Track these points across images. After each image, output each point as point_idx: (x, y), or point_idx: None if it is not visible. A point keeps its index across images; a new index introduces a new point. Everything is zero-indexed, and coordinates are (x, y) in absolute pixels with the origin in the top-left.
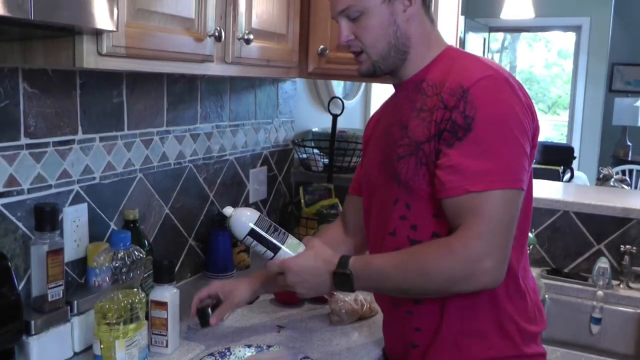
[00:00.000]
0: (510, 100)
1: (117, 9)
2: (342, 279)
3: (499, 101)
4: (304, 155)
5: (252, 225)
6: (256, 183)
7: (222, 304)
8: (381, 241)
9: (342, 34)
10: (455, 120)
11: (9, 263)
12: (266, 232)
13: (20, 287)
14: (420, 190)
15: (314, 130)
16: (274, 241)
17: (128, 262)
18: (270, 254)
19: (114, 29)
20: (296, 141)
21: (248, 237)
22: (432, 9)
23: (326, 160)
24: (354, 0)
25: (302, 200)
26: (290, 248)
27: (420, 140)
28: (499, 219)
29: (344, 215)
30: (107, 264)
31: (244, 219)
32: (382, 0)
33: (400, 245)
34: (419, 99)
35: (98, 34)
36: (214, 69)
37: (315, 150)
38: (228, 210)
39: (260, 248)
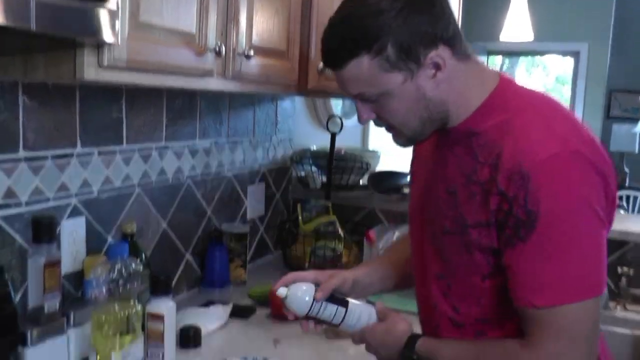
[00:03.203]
0: (581, 186)
1: (119, 21)
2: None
3: (567, 191)
4: (302, 173)
5: (311, 299)
6: (254, 200)
7: (328, 280)
8: (425, 305)
9: (361, 115)
10: (518, 215)
11: (6, 275)
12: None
13: (16, 299)
14: (462, 279)
15: (312, 148)
16: (339, 300)
17: (125, 274)
18: (342, 310)
19: (115, 42)
20: (294, 158)
21: (313, 309)
22: (463, 44)
23: (324, 178)
24: (367, 87)
25: (300, 217)
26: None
27: (468, 222)
28: (573, 337)
29: None
30: (104, 275)
31: (303, 295)
32: (404, 80)
33: (441, 324)
34: (468, 161)
35: (99, 46)
36: (214, 84)
37: (314, 168)
38: (282, 292)
39: (329, 312)
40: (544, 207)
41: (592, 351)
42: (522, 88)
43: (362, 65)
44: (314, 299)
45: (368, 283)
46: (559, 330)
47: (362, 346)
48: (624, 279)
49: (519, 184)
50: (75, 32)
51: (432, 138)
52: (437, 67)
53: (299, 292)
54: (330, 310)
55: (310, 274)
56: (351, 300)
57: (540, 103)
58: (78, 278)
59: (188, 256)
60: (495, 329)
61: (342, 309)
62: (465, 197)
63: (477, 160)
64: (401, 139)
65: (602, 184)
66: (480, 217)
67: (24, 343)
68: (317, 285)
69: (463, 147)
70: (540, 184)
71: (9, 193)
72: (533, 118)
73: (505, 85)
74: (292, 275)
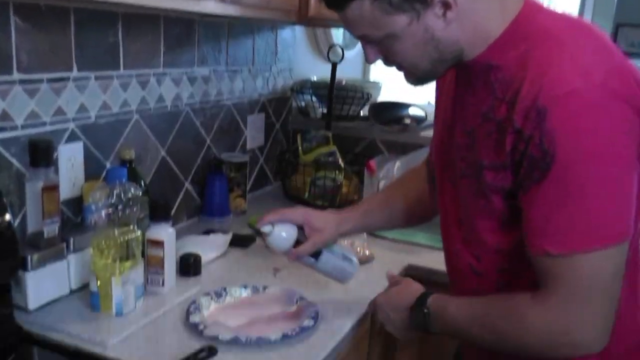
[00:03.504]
0: (604, 125)
1: None
2: (419, 316)
3: (588, 130)
4: (302, 103)
5: (290, 244)
6: (254, 129)
7: (307, 241)
8: (449, 252)
9: (368, 56)
10: (532, 155)
11: (4, 199)
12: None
13: (15, 224)
14: (480, 225)
15: (312, 79)
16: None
17: (124, 199)
18: (313, 260)
19: None
20: (295, 88)
21: (289, 252)
22: None
23: (325, 108)
24: (370, 29)
25: (300, 148)
26: (330, 251)
27: (484, 164)
28: (587, 289)
29: (428, 180)
30: (103, 200)
31: (284, 235)
32: (409, 21)
33: (464, 271)
34: (486, 98)
35: None
36: (212, 7)
37: (314, 98)
38: (267, 229)
39: (305, 259)
40: (560, 147)
41: (610, 305)
42: (548, 12)
43: (364, 8)
44: (293, 245)
45: (355, 231)
46: (573, 280)
47: (361, 276)
48: None
49: (535, 122)
50: None
51: (452, 74)
52: (447, 5)
53: (279, 232)
54: (305, 258)
55: (298, 215)
56: (325, 253)
57: (567, 30)
58: (77, 204)
59: (187, 185)
60: (516, 280)
61: (313, 260)
62: (481, 136)
63: (495, 95)
64: (412, 79)
65: (638, 121)
66: (496, 158)
67: (24, 268)
68: (301, 229)
69: (482, 84)
70: (557, 121)
71: (4, 116)
72: (556, 47)
73: (528, 11)
74: (280, 214)
